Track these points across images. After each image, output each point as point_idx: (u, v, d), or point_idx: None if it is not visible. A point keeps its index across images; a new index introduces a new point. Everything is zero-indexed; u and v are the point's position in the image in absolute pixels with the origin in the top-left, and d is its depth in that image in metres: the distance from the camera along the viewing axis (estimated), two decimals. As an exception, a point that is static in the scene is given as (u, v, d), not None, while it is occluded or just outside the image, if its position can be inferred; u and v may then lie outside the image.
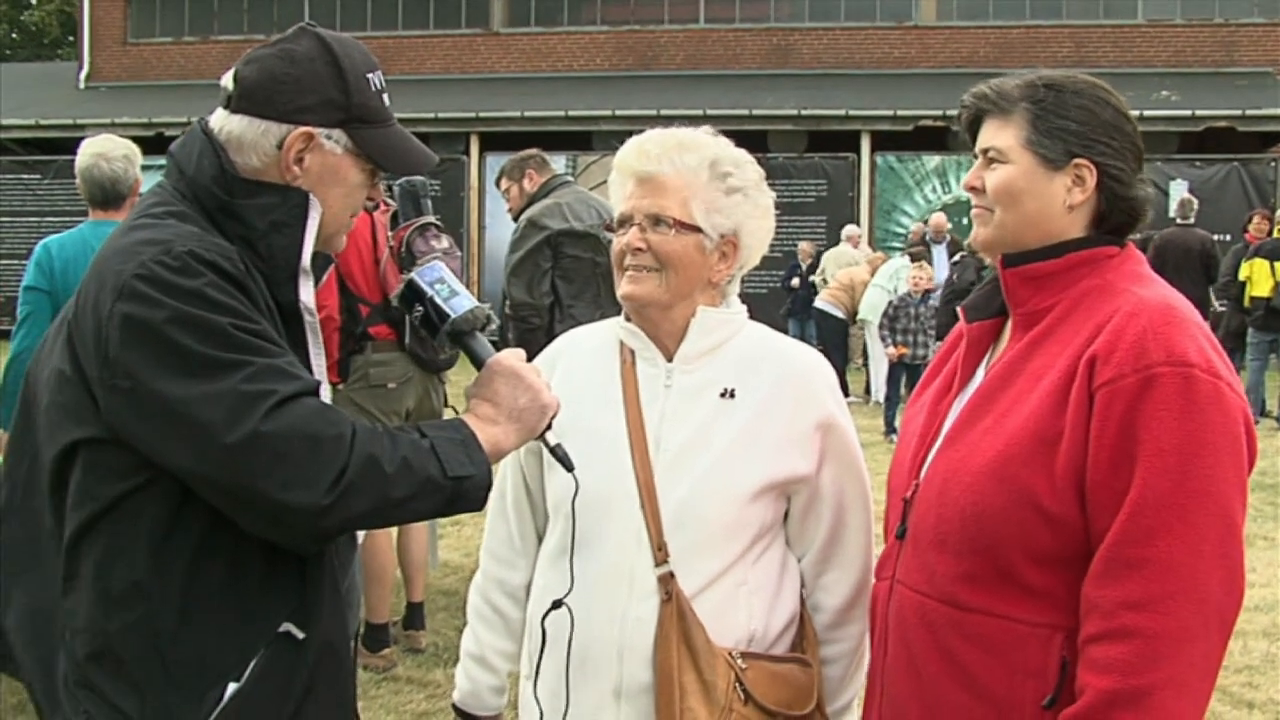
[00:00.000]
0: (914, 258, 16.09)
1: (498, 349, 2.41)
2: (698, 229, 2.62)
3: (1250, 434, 2.24)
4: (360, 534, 2.49)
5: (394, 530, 6.58)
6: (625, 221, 2.66)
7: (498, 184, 7.80)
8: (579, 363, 2.74)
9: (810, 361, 2.76)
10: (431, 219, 6.60)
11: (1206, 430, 2.16)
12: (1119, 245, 2.43)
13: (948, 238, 18.02)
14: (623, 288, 2.66)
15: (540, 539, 2.82)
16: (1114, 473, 2.18)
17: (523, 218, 7.32)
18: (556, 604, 2.56)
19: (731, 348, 2.70)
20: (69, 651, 2.18)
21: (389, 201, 6.57)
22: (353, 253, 6.34)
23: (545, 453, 2.52)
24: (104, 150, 5.81)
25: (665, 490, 2.59)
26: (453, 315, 2.39)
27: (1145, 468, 2.15)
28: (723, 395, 2.65)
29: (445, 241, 6.62)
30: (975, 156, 2.49)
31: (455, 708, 2.92)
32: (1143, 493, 2.15)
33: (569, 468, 2.42)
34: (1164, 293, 2.33)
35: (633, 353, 2.71)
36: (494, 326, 2.44)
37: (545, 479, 2.76)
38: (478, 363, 2.39)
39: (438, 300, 2.40)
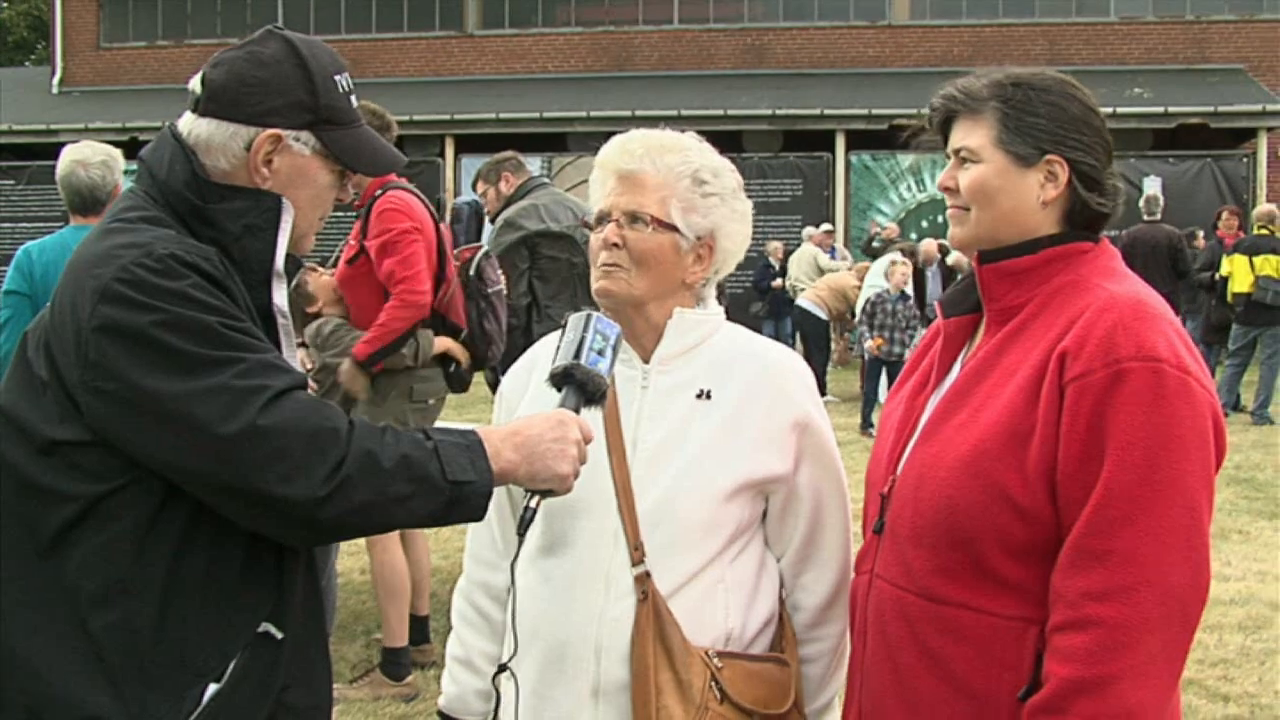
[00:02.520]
0: (905, 252, 16.33)
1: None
2: (674, 228, 2.63)
3: (1219, 429, 2.27)
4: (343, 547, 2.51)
5: (398, 547, 6.39)
6: (604, 218, 2.67)
7: (474, 187, 7.81)
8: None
9: (786, 361, 2.77)
10: (488, 247, 6.67)
11: (1174, 424, 2.18)
12: (1093, 240, 2.45)
13: (939, 257, 18.27)
14: (597, 283, 2.67)
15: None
16: (1084, 466, 2.20)
17: (499, 219, 7.33)
18: (502, 668, 2.55)
19: (708, 348, 2.71)
20: (29, 655, 2.16)
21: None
22: (429, 263, 6.13)
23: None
24: (82, 157, 5.82)
25: (642, 490, 2.60)
26: (585, 364, 2.38)
27: (1113, 460, 2.18)
28: (699, 396, 2.66)
29: (500, 274, 6.68)
30: (948, 157, 2.51)
31: (440, 714, 2.90)
32: (1109, 485, 2.17)
33: (519, 531, 2.40)
34: (1135, 288, 2.35)
35: None
36: (596, 410, 2.43)
37: None
38: (558, 405, 2.39)
39: (586, 346, 2.40)
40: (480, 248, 6.60)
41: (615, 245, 2.63)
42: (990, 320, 2.47)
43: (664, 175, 2.64)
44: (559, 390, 2.41)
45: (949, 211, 2.52)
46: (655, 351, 2.69)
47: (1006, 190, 2.42)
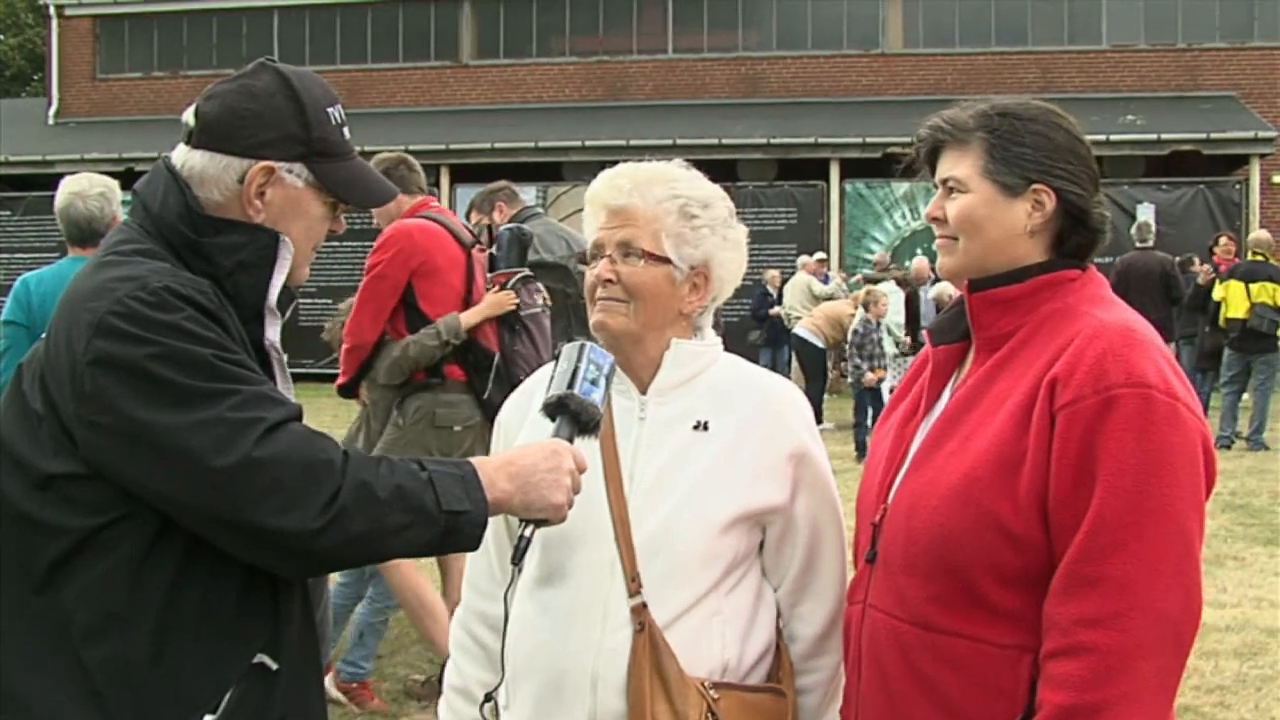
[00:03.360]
0: (899, 282, 16.60)
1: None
2: (667, 260, 2.64)
3: (1209, 455, 2.28)
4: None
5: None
6: (597, 252, 2.68)
7: (468, 216, 7.81)
8: None
9: (783, 392, 2.78)
10: (529, 271, 6.59)
11: (1164, 450, 2.19)
12: (1080, 268, 2.46)
13: (933, 277, 18.36)
14: (594, 318, 2.67)
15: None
16: (1075, 493, 2.21)
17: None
18: (488, 698, 2.55)
19: (705, 379, 2.71)
20: (25, 690, 2.15)
21: (481, 242, 6.54)
22: (447, 289, 6.27)
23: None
24: (80, 189, 5.83)
25: (639, 521, 2.59)
26: (578, 394, 2.38)
27: (1104, 487, 2.18)
28: (696, 427, 2.66)
29: (541, 298, 6.60)
30: (935, 187, 2.52)
31: None
32: (1100, 511, 2.18)
33: (514, 560, 2.39)
34: (1124, 315, 2.36)
35: None
36: (590, 440, 2.43)
37: None
38: (552, 434, 2.39)
39: (580, 376, 2.40)
40: (518, 273, 6.52)
41: (609, 280, 2.64)
42: (979, 348, 2.48)
43: (653, 208, 2.65)
44: (553, 420, 2.42)
45: (937, 241, 2.52)
46: (652, 383, 2.69)
47: (994, 219, 2.42)
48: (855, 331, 15.19)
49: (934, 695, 2.36)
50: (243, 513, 2.07)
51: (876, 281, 18.39)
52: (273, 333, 2.37)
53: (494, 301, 6.30)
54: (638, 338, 2.67)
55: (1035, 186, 2.41)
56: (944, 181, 2.48)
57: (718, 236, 2.70)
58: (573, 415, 2.39)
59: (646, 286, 2.64)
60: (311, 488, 2.09)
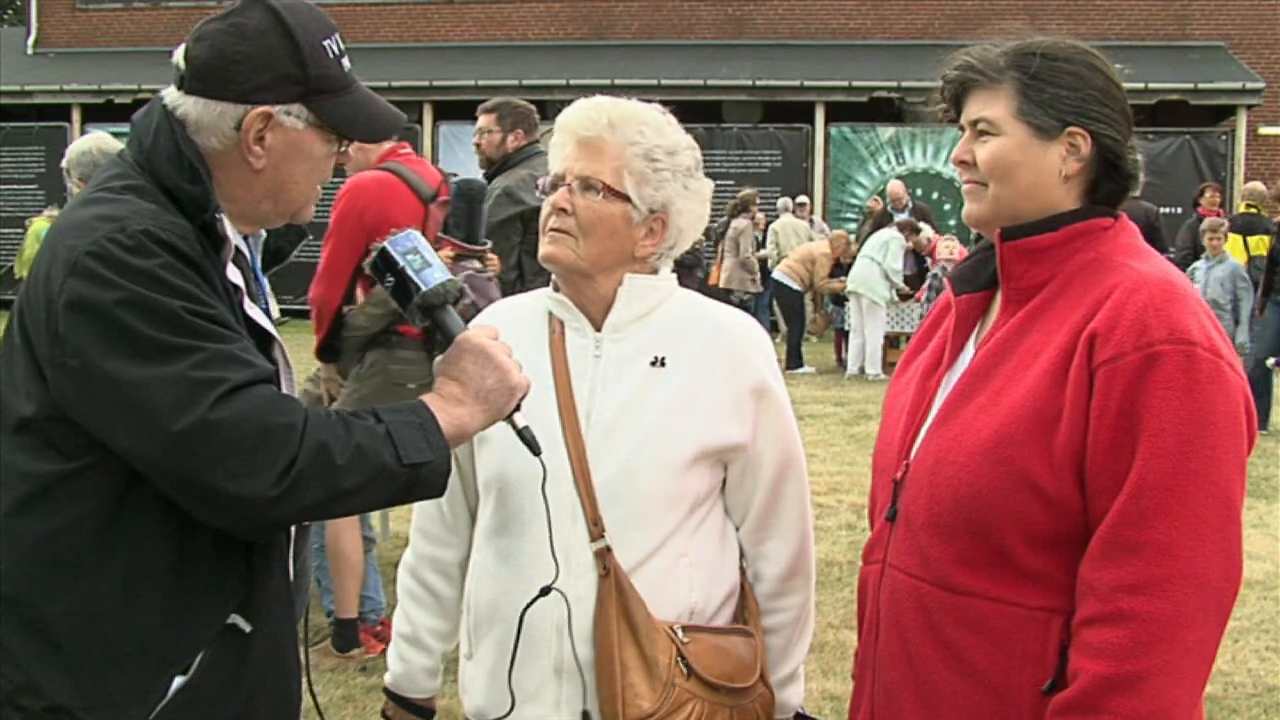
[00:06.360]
0: (901, 228, 16.68)
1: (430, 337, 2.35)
2: (626, 198, 2.60)
3: (1250, 413, 2.20)
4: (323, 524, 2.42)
5: (355, 520, 6.28)
6: (557, 182, 2.64)
7: (477, 114, 7.42)
8: (509, 334, 2.55)
9: (742, 326, 2.74)
10: (483, 248, 6.39)
11: (1208, 411, 2.11)
12: (1113, 216, 2.38)
13: (910, 204, 18.35)
14: (543, 250, 2.64)
15: (472, 515, 2.79)
16: (1115, 453, 2.13)
17: (499, 188, 7.08)
18: (545, 590, 2.51)
19: (661, 315, 2.68)
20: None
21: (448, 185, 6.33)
22: (324, 264, 6.07)
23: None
24: None
25: (598, 464, 2.56)
26: (424, 287, 2.33)
27: (1146, 449, 2.10)
28: (653, 364, 2.63)
29: (476, 267, 6.36)
30: (962, 129, 2.42)
31: (387, 690, 2.87)
32: (1143, 474, 2.10)
33: (535, 451, 2.37)
34: (1163, 268, 2.28)
35: (562, 324, 2.68)
36: (467, 300, 2.39)
37: (476, 456, 2.72)
38: (448, 338, 2.33)
39: (409, 271, 2.33)
40: (465, 249, 6.33)
41: (563, 210, 2.60)
42: (1008, 299, 2.38)
43: (620, 145, 2.61)
44: (436, 326, 2.36)
45: (965, 187, 2.41)
46: (607, 319, 2.66)
47: (1027, 164, 2.33)
48: (934, 276, 15.56)
49: (957, 660, 2.28)
50: (197, 475, 2.02)
51: (880, 225, 18.29)
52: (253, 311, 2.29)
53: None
54: (587, 274, 2.63)
55: (1070, 130, 2.32)
56: (973, 124, 2.38)
57: (679, 184, 2.65)
58: (440, 306, 2.34)
59: (602, 222, 2.60)
60: (266, 454, 2.03)
